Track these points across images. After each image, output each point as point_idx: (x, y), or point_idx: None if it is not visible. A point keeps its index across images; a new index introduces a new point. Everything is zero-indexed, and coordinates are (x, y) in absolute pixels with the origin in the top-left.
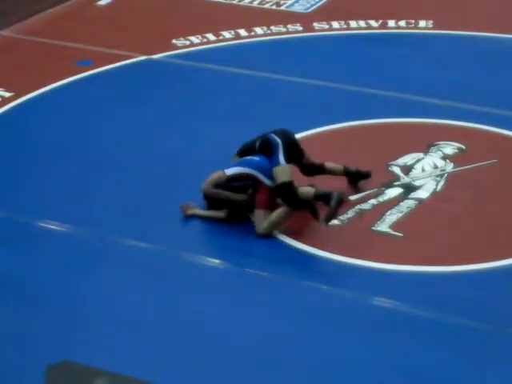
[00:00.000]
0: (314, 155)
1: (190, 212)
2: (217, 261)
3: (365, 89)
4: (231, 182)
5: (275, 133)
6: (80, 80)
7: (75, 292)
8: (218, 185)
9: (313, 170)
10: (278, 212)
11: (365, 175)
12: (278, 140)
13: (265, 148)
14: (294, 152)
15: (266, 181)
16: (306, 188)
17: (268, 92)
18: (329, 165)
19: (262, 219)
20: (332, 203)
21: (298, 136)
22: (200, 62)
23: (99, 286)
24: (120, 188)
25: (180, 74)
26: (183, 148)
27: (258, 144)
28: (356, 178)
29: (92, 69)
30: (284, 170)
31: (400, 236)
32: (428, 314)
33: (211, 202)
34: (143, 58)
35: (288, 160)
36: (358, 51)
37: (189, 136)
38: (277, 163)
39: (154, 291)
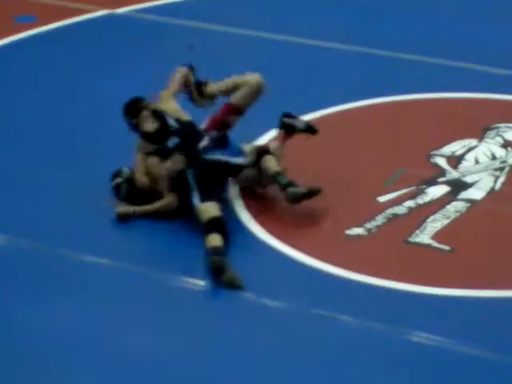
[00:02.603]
0: (335, 139)
1: (123, 210)
2: (201, 282)
3: (399, 54)
4: None
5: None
6: (19, 42)
7: (15, 324)
8: None
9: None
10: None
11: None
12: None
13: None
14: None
15: None
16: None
17: (273, 58)
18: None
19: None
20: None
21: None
22: (179, 17)
23: (45, 315)
24: (69, 185)
25: (153, 34)
26: None
27: None
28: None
29: (35, 26)
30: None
31: (446, 250)
32: (481, 353)
33: None
34: (104, 12)
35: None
36: (386, 7)
37: None
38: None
39: (116, 322)
